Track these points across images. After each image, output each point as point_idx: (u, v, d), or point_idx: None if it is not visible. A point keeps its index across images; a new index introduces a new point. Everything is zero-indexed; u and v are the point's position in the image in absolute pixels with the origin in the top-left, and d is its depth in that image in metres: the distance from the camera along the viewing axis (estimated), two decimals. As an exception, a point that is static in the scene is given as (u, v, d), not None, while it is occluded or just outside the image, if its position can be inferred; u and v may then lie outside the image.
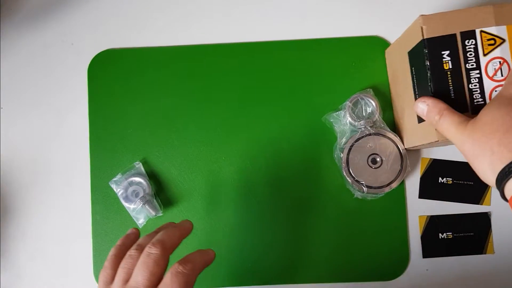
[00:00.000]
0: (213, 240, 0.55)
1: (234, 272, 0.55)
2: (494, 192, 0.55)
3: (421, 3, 0.57)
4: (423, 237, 0.54)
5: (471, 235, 0.54)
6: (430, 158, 0.55)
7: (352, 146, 0.52)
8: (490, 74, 0.42)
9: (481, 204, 0.54)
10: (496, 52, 0.42)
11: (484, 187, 0.55)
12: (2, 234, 0.56)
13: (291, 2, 0.58)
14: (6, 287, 0.56)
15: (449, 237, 0.54)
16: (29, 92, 0.58)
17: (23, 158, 0.57)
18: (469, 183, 0.55)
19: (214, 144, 0.56)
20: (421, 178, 0.55)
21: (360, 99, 0.54)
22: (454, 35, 0.43)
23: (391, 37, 0.56)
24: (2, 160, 0.57)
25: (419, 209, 0.55)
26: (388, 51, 0.55)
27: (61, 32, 0.58)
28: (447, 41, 0.43)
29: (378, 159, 0.52)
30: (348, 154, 0.52)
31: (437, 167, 0.55)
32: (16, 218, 0.56)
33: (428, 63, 0.43)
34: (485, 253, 0.54)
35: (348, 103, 0.53)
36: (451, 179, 0.55)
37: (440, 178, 0.55)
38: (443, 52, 0.43)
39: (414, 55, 0.46)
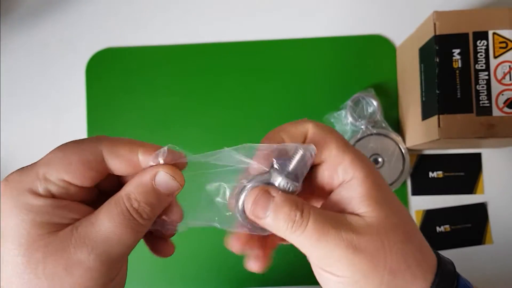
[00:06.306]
0: (213, 242, 0.54)
1: (235, 275, 0.54)
2: (486, 180, 0.54)
3: (424, 2, 0.56)
4: (421, 232, 0.54)
5: (468, 227, 0.54)
6: (418, 154, 0.55)
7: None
8: (499, 77, 0.42)
9: (475, 193, 0.54)
10: (507, 56, 0.42)
11: (476, 176, 0.54)
12: None
13: (292, 0, 0.57)
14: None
15: (446, 230, 0.54)
16: (27, 92, 0.57)
17: (21, 158, 0.56)
18: (459, 174, 0.54)
19: (214, 144, 0.55)
20: (412, 175, 0.55)
21: (361, 99, 0.53)
22: (466, 34, 0.43)
23: (394, 36, 0.56)
24: (0, 161, 0.57)
25: (414, 205, 0.55)
26: (399, 47, 0.55)
27: (59, 31, 0.58)
28: (459, 39, 0.43)
29: (379, 160, 0.52)
30: (349, 154, 0.52)
31: (425, 162, 0.55)
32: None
33: (437, 60, 0.43)
34: (484, 244, 0.54)
35: (349, 103, 0.53)
36: (441, 172, 0.55)
37: (430, 173, 0.55)
38: (453, 50, 0.43)
39: (425, 52, 0.46)
